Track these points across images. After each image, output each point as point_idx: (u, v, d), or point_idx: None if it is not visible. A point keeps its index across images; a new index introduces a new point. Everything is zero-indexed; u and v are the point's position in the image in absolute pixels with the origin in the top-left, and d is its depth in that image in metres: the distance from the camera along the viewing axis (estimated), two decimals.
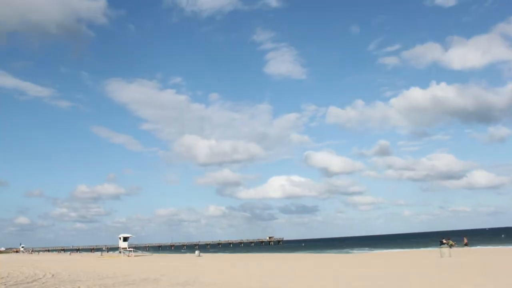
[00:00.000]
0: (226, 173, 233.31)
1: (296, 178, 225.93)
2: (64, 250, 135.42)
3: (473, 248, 54.41)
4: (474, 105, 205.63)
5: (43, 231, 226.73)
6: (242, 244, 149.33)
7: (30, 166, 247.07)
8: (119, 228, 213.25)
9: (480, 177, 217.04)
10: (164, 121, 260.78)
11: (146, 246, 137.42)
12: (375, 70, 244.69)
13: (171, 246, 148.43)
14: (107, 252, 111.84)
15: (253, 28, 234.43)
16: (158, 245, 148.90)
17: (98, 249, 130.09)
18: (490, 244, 66.03)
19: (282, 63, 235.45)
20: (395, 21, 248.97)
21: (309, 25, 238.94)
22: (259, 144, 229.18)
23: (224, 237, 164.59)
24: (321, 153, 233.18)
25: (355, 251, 70.23)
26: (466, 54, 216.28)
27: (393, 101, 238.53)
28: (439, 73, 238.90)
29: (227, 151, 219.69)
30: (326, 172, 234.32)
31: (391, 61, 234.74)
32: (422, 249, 62.39)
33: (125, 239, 69.92)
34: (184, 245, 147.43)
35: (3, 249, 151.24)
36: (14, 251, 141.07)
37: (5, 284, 18.83)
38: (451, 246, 44.70)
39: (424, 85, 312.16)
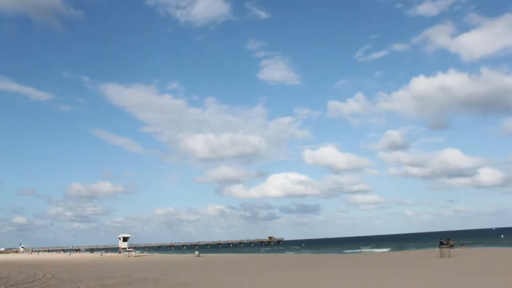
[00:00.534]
0: (226, 171, 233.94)
1: (296, 176, 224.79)
2: (64, 251, 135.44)
3: (473, 248, 54.45)
4: (486, 94, 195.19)
5: (42, 231, 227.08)
6: (242, 244, 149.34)
7: (33, 166, 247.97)
8: (118, 228, 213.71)
9: (489, 174, 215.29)
10: (163, 124, 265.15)
11: (146, 246, 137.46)
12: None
13: (171, 246, 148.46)
14: (107, 252, 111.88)
15: (246, 37, 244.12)
16: (158, 245, 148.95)
17: (98, 249, 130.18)
18: (489, 245, 66.10)
19: (276, 69, 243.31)
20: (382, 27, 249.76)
21: (299, 33, 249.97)
22: (258, 143, 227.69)
23: (224, 237, 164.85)
24: (322, 150, 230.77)
25: (356, 251, 70.24)
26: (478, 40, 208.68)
27: (395, 94, 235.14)
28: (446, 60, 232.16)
29: (226, 145, 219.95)
30: (328, 170, 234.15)
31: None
32: (422, 249, 62.41)
33: (125, 239, 69.98)
34: (184, 245, 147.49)
35: (3, 249, 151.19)
36: (14, 251, 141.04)
37: (5, 284, 18.85)
38: (450, 246, 44.72)
39: (429, 73, 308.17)
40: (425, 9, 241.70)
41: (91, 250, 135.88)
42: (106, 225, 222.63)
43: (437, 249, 37.89)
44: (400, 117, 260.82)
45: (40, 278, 22.06)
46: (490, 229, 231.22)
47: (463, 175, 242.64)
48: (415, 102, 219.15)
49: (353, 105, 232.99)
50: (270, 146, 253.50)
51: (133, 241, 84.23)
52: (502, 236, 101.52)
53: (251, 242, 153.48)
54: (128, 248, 71.23)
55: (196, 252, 62.60)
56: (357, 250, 75.00)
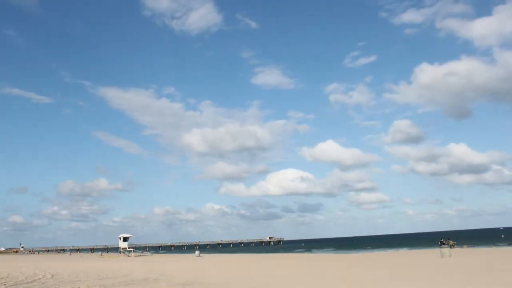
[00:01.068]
0: (226, 170, 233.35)
1: (298, 174, 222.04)
2: (64, 250, 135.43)
3: (473, 248, 54.44)
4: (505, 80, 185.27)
5: (40, 230, 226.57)
6: (242, 244, 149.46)
7: (27, 165, 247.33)
8: (117, 228, 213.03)
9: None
10: (162, 126, 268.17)
11: (146, 246, 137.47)
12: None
13: (171, 246, 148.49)
14: (107, 252, 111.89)
15: (240, 45, 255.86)
16: (158, 245, 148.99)
17: (98, 249, 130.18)
18: (490, 245, 66.07)
19: (270, 75, 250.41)
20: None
21: (288, 42, 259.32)
22: (259, 138, 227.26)
23: (224, 237, 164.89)
24: (324, 145, 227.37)
25: (357, 251, 70.21)
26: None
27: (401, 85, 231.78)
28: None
29: (226, 139, 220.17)
30: (331, 167, 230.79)
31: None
32: (422, 249, 62.37)
33: (125, 239, 69.93)
34: (184, 245, 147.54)
35: (3, 249, 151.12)
36: (14, 251, 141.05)
37: (5, 284, 18.80)
38: (451, 246, 44.71)
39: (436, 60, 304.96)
40: (408, 17, 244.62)
41: (91, 250, 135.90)
42: (106, 225, 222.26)
43: (438, 249, 37.90)
44: (405, 108, 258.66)
45: (40, 278, 22.01)
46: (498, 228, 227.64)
47: (475, 171, 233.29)
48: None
49: (356, 97, 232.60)
50: (270, 143, 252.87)
51: (133, 241, 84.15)
52: (503, 236, 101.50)
53: (251, 242, 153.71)
54: (129, 248, 71.20)
55: (197, 252, 62.56)
56: (360, 250, 74.94)
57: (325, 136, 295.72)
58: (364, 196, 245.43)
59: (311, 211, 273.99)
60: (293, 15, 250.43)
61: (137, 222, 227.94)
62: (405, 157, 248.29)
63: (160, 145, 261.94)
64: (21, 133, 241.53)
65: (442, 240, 49.93)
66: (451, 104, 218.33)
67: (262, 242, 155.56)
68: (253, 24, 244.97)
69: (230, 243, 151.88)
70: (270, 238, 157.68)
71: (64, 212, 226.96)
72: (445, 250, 34.23)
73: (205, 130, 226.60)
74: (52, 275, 23.94)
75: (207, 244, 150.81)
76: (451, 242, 48.14)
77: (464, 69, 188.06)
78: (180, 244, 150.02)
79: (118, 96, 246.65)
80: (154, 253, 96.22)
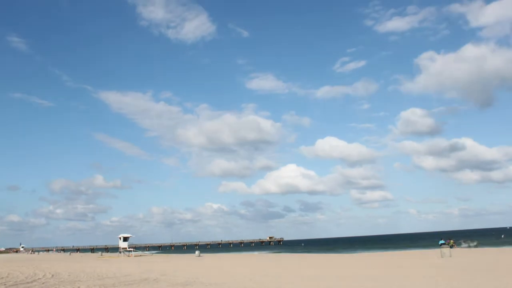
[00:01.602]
0: (225, 168, 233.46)
1: (299, 172, 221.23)
2: (64, 250, 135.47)
3: (473, 248, 54.37)
4: None
5: (39, 230, 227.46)
6: (242, 244, 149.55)
7: (21, 164, 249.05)
8: (116, 227, 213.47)
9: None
10: (161, 129, 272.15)
11: (146, 246, 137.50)
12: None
13: (171, 246, 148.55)
14: (107, 252, 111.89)
15: (234, 53, 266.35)
16: (158, 245, 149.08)
17: (99, 249, 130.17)
18: (490, 245, 66.01)
19: (265, 81, 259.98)
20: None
21: (279, 50, 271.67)
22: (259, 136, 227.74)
23: (224, 237, 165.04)
24: (328, 140, 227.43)
25: (357, 251, 70.20)
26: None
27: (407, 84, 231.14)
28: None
29: (224, 131, 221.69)
30: (334, 163, 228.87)
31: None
32: (422, 249, 62.35)
33: (125, 239, 69.87)
34: (184, 245, 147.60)
35: (3, 249, 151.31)
36: (14, 251, 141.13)
37: (5, 284, 18.81)
38: (451, 246, 44.73)
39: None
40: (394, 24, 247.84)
41: (92, 249, 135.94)
42: (105, 225, 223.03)
43: (438, 249, 37.91)
44: (410, 100, 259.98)
45: (40, 278, 22.00)
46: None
47: (487, 168, 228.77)
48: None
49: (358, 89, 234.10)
50: (270, 141, 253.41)
51: (133, 241, 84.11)
52: (503, 236, 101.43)
53: (252, 242, 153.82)
54: (129, 248, 71.15)
55: (197, 252, 62.48)
56: (361, 251, 74.93)
57: (324, 134, 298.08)
58: (367, 195, 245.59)
59: (312, 210, 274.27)
60: (283, 24, 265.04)
61: (136, 222, 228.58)
62: (407, 154, 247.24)
63: (159, 146, 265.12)
64: (24, 135, 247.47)
65: (442, 239, 49.98)
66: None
67: (262, 242, 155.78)
68: (245, 33, 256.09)
69: (230, 243, 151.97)
70: (270, 238, 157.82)
71: (63, 211, 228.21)
72: (445, 250, 34.24)
73: (203, 123, 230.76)
74: (52, 275, 23.94)
75: (207, 244, 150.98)
76: (451, 242, 48.18)
77: None
78: (180, 244, 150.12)
79: (118, 100, 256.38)
80: (154, 253, 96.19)
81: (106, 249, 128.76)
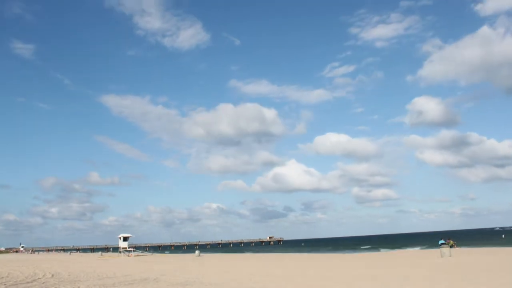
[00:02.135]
0: (226, 167, 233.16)
1: (300, 170, 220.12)
2: (64, 250, 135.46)
3: (473, 248, 54.43)
4: None
5: (38, 230, 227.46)
6: (242, 244, 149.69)
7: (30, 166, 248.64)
8: (115, 227, 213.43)
9: None
10: (161, 131, 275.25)
11: (146, 246, 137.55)
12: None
13: (171, 246, 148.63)
14: (107, 252, 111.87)
15: (228, 59, 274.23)
16: (158, 245, 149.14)
17: (99, 249, 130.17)
18: (490, 245, 66.05)
19: (260, 86, 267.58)
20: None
21: (274, 56, 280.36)
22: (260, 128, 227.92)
23: (224, 237, 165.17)
24: (329, 136, 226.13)
25: (357, 251, 70.21)
26: None
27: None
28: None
29: (223, 121, 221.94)
30: (336, 160, 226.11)
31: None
32: (422, 249, 62.39)
33: (125, 239, 69.84)
34: (184, 245, 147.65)
35: (3, 249, 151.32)
36: (14, 251, 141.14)
37: (5, 284, 18.81)
38: (451, 246, 44.73)
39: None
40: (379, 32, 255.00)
41: (92, 249, 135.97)
42: (104, 224, 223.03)
43: (438, 249, 37.89)
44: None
45: (40, 278, 22.01)
46: None
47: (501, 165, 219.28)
48: None
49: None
50: (271, 138, 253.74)
51: (133, 240, 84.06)
52: (503, 236, 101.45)
53: (252, 242, 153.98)
54: (129, 247, 71.13)
55: (197, 252, 62.51)
56: (361, 250, 74.95)
57: (323, 131, 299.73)
58: (369, 193, 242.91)
59: (312, 209, 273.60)
60: (274, 32, 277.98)
61: (136, 221, 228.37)
62: (411, 150, 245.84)
63: (159, 148, 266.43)
64: (24, 135, 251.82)
65: (442, 239, 49.95)
66: None
67: (262, 242, 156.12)
68: (237, 42, 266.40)
69: (230, 243, 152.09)
70: (270, 237, 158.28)
71: (58, 210, 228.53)
72: (445, 249, 34.23)
73: (202, 114, 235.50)
74: (52, 275, 23.95)
75: (207, 244, 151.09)
76: (451, 242, 48.15)
77: None
78: (180, 244, 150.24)
79: (118, 103, 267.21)
80: (154, 253, 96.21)
81: (106, 249, 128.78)
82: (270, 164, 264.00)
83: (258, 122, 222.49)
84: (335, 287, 16.58)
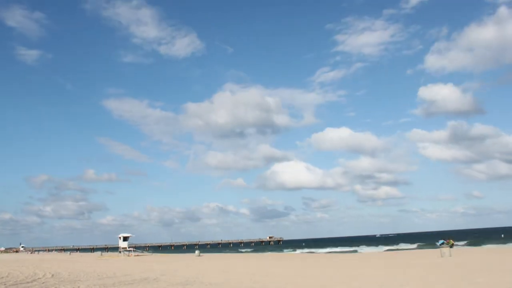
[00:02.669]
0: (225, 165, 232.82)
1: (300, 168, 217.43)
2: (64, 250, 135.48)
3: (473, 247, 54.43)
4: None
5: (37, 230, 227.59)
6: (242, 244, 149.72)
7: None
8: (115, 227, 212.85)
9: None
10: (160, 133, 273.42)
11: (146, 246, 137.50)
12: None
13: (171, 246, 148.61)
14: (107, 252, 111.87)
15: (225, 67, 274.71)
16: (158, 244, 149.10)
17: (98, 249, 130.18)
18: (490, 244, 66.09)
19: (255, 89, 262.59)
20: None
21: (265, 63, 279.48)
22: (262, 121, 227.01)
23: (224, 237, 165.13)
24: (329, 132, 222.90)
25: (358, 251, 70.21)
26: None
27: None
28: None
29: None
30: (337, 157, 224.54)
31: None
32: (422, 249, 62.38)
33: (125, 238, 69.86)
34: (184, 245, 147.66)
35: (3, 249, 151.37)
36: (14, 251, 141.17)
37: (5, 284, 18.82)
38: (451, 246, 44.67)
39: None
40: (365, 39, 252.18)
41: (92, 249, 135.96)
42: (103, 224, 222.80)
43: (438, 249, 37.88)
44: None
45: (40, 278, 22.01)
46: None
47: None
48: None
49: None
50: (272, 137, 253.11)
51: (133, 240, 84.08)
52: (503, 235, 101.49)
53: (251, 242, 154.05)
54: (129, 247, 71.13)
55: (197, 252, 62.48)
56: (362, 249, 74.94)
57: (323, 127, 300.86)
58: (372, 191, 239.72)
59: (313, 209, 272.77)
60: (265, 40, 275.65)
61: (135, 221, 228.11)
62: (414, 145, 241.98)
63: (159, 149, 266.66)
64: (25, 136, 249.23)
65: (442, 239, 49.87)
66: None
67: (262, 241, 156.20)
68: (230, 50, 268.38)
69: (230, 243, 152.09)
70: (270, 237, 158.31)
71: (57, 209, 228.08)
72: (445, 249, 34.21)
73: (201, 105, 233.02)
74: (52, 275, 23.95)
75: (207, 244, 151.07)
76: (451, 242, 48.09)
77: None
78: (180, 244, 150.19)
79: (117, 107, 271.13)
80: (154, 252, 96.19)
81: (106, 249, 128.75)
82: (272, 160, 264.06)
83: (259, 110, 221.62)
84: (335, 287, 16.59)
